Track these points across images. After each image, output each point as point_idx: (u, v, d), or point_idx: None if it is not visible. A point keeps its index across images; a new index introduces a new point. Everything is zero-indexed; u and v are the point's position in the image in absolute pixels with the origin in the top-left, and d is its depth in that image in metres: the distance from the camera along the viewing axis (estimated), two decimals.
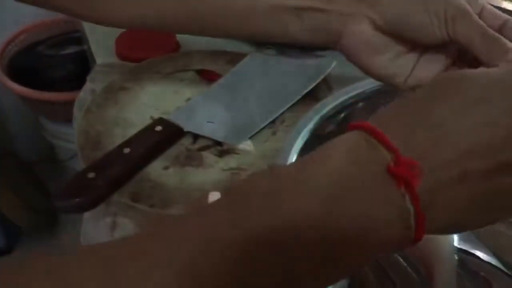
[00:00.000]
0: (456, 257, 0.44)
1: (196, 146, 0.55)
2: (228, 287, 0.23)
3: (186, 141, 0.55)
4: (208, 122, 0.56)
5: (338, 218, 0.24)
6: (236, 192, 0.26)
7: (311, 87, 0.61)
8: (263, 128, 0.57)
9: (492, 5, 0.42)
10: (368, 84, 0.48)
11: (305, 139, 0.43)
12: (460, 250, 0.46)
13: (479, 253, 0.46)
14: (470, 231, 0.47)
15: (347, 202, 0.24)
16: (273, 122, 0.57)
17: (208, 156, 0.54)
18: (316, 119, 0.45)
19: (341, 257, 0.25)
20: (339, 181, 0.25)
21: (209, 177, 0.51)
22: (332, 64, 0.64)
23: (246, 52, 0.66)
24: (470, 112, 0.26)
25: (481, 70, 0.28)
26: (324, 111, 0.45)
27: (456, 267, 0.43)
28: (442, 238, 0.45)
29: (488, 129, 0.25)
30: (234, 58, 0.65)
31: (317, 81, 0.62)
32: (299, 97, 0.60)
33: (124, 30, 0.72)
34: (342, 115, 0.46)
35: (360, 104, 0.47)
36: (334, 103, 0.46)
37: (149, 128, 0.54)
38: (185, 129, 0.55)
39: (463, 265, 0.44)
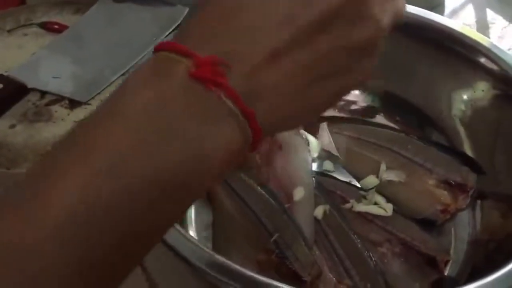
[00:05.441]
0: (314, 180, 0.45)
1: (44, 101, 0.51)
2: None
3: (33, 97, 0.51)
4: (54, 77, 0.53)
5: (163, 145, 0.22)
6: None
7: (163, 36, 0.59)
8: (115, 80, 0.54)
9: None
10: None
11: None
12: (318, 173, 0.47)
13: (335, 174, 0.48)
14: (328, 153, 0.49)
15: (166, 125, 0.22)
16: (125, 74, 0.55)
17: (58, 109, 0.50)
18: None
19: (189, 184, 0.23)
20: (149, 110, 0.22)
21: (60, 131, 0.48)
22: (185, 12, 0.63)
23: (95, 1, 0.62)
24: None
25: None
26: None
27: (313, 189, 0.44)
28: (299, 163, 0.46)
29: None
30: (81, 8, 0.61)
31: (170, 31, 0.60)
32: (151, 47, 0.58)
33: None
34: None
35: None
36: None
37: None
38: (29, 86, 0.51)
39: (320, 187, 0.45)
